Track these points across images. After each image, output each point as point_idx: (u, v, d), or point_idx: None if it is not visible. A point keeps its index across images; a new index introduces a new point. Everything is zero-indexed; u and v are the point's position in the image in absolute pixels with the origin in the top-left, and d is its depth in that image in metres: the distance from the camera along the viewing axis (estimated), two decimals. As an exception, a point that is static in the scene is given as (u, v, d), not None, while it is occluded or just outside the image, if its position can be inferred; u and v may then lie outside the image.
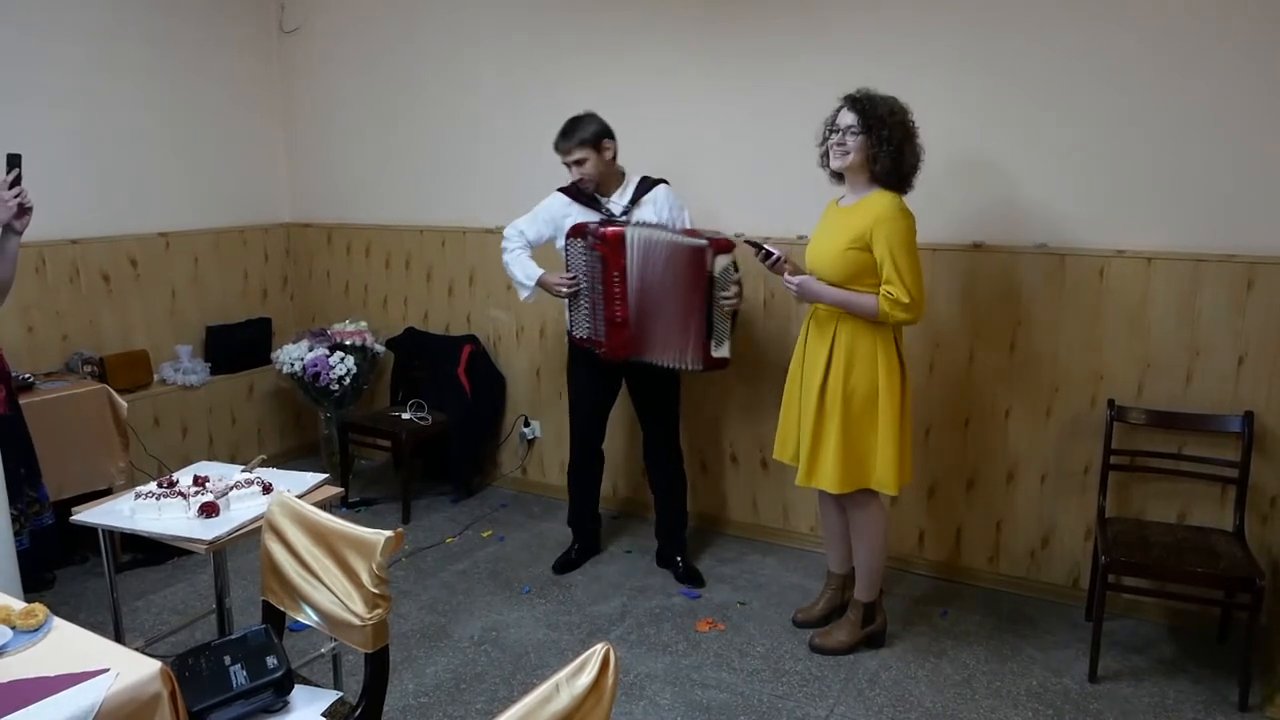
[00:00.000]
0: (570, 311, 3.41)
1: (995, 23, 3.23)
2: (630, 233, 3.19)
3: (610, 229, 3.21)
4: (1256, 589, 2.69)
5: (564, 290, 3.35)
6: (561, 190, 3.48)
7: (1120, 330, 3.20)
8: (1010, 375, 3.40)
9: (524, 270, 3.47)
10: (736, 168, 3.78)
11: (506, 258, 3.53)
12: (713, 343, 3.26)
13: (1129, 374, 3.21)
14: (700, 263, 3.16)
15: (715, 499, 4.07)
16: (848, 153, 2.79)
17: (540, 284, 3.43)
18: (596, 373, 3.51)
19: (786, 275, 2.93)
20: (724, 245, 3.18)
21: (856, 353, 2.84)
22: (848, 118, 2.79)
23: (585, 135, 3.30)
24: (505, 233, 3.56)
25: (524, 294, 3.52)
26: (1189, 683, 2.93)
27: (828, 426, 2.90)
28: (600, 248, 3.22)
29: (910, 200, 2.83)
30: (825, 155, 2.88)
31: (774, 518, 3.96)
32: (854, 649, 3.10)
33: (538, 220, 3.51)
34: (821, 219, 3.00)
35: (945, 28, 3.30)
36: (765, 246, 2.92)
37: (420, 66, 4.50)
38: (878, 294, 2.78)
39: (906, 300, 2.74)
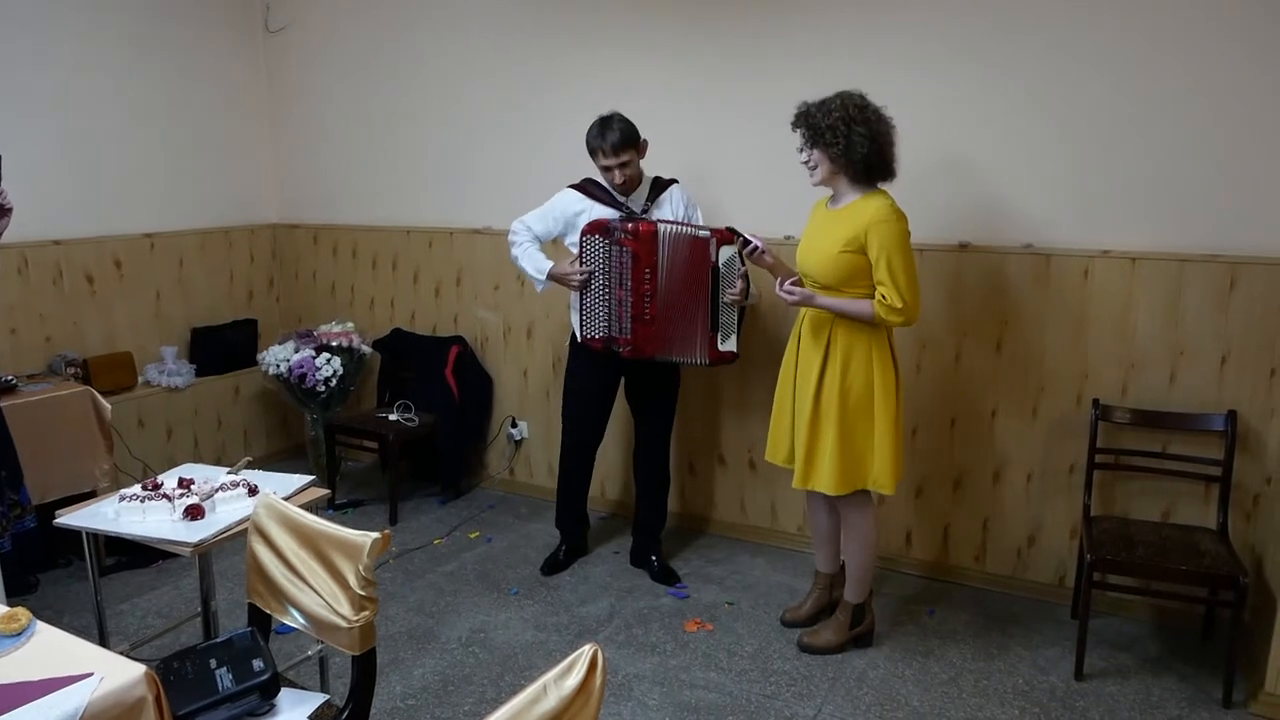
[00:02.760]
0: (581, 313, 3.36)
1: (980, 25, 3.25)
2: (662, 229, 3.21)
3: (643, 225, 3.21)
4: (1240, 586, 2.71)
5: (577, 281, 3.30)
6: (573, 187, 3.45)
7: (1105, 330, 3.23)
8: (997, 375, 3.42)
9: (534, 264, 3.44)
10: (736, 169, 3.78)
11: (515, 251, 3.49)
12: (719, 336, 3.27)
13: (1114, 373, 3.24)
14: (705, 254, 3.19)
15: (703, 499, 4.07)
16: (814, 167, 2.84)
17: (552, 277, 3.39)
18: (600, 374, 3.51)
19: (786, 286, 2.86)
20: (726, 237, 3.19)
21: (852, 354, 2.85)
22: (797, 139, 2.84)
23: (633, 136, 3.27)
24: (513, 227, 3.51)
25: (539, 286, 3.49)
26: (1174, 680, 2.95)
27: (824, 428, 2.90)
28: (632, 244, 3.20)
29: (897, 200, 2.84)
30: None
31: (762, 518, 3.97)
32: (842, 649, 3.11)
33: (547, 217, 3.47)
34: (810, 220, 3.01)
35: (931, 30, 3.31)
36: (744, 234, 2.93)
37: (407, 66, 4.48)
38: (871, 297, 2.79)
39: (900, 305, 2.75)
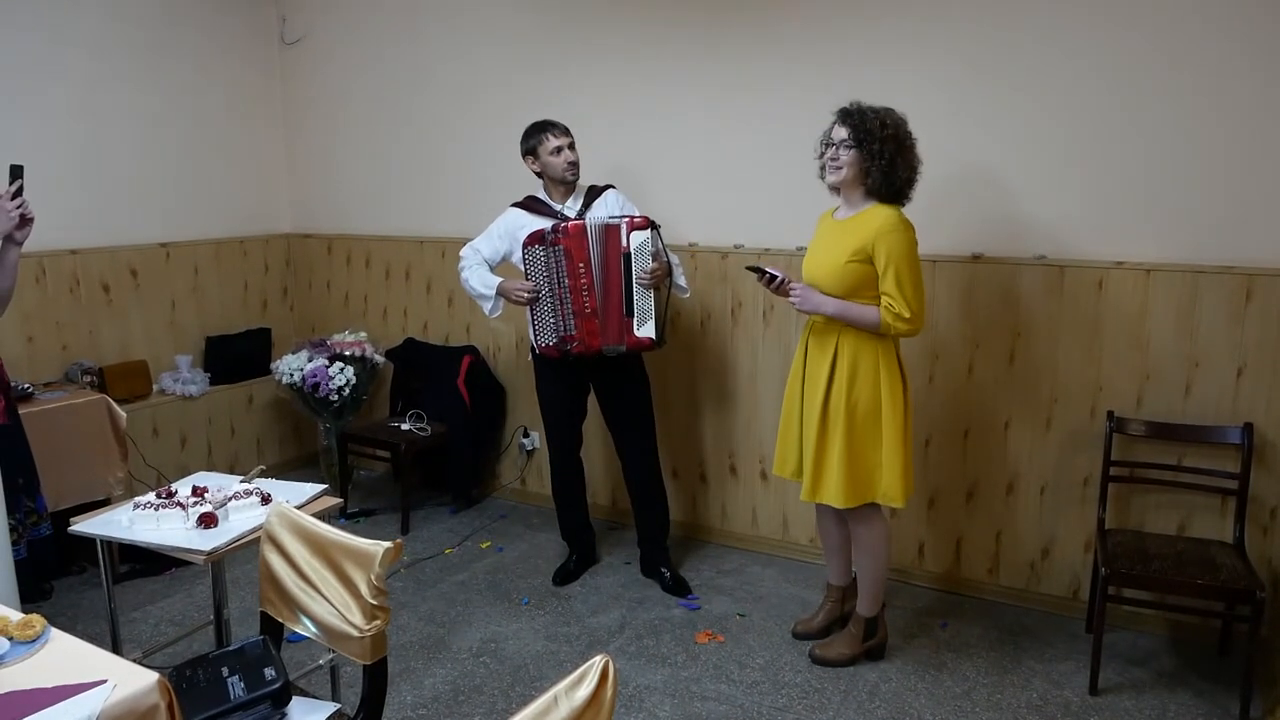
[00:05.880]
0: (533, 324, 3.42)
1: (994, 36, 3.25)
2: (588, 220, 3.32)
3: (571, 223, 3.32)
4: (1257, 601, 2.69)
5: (525, 296, 3.36)
6: (516, 205, 3.53)
7: (1119, 342, 3.21)
8: (1010, 386, 3.40)
9: (482, 281, 3.50)
10: (745, 180, 3.78)
11: (464, 274, 3.56)
12: (634, 321, 3.31)
13: (1128, 385, 3.22)
14: (618, 239, 3.28)
15: (714, 510, 4.06)
16: (840, 167, 2.80)
17: (500, 292, 3.45)
18: (566, 382, 3.55)
19: (790, 286, 2.90)
20: (639, 224, 3.29)
21: (859, 366, 2.83)
22: (840, 132, 2.79)
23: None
24: (461, 253, 3.59)
25: (486, 306, 3.52)
26: (1190, 695, 2.92)
27: (831, 441, 2.88)
28: (563, 241, 3.30)
29: (910, 212, 2.83)
30: (823, 169, 2.89)
31: (773, 529, 3.95)
32: (854, 661, 3.09)
33: (493, 237, 3.55)
34: (817, 231, 3.00)
35: (944, 41, 3.32)
36: (767, 270, 2.91)
37: (421, 77, 4.51)
38: (877, 305, 2.78)
39: (908, 314, 2.74)
